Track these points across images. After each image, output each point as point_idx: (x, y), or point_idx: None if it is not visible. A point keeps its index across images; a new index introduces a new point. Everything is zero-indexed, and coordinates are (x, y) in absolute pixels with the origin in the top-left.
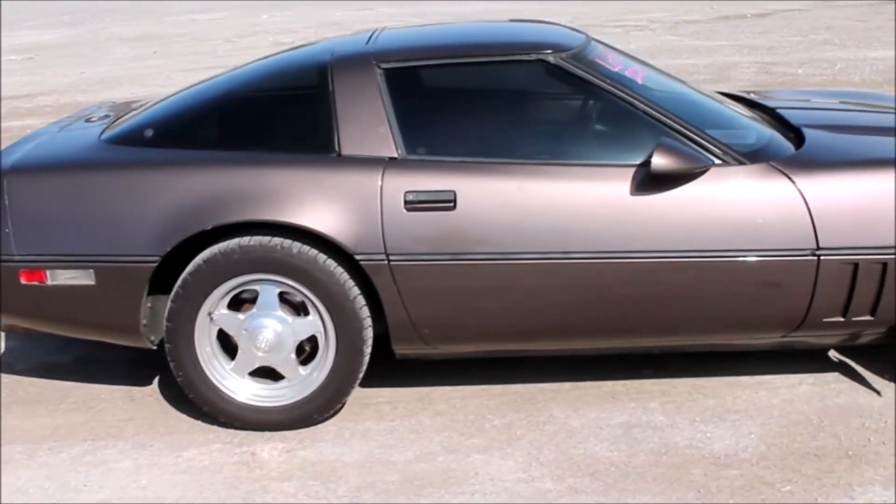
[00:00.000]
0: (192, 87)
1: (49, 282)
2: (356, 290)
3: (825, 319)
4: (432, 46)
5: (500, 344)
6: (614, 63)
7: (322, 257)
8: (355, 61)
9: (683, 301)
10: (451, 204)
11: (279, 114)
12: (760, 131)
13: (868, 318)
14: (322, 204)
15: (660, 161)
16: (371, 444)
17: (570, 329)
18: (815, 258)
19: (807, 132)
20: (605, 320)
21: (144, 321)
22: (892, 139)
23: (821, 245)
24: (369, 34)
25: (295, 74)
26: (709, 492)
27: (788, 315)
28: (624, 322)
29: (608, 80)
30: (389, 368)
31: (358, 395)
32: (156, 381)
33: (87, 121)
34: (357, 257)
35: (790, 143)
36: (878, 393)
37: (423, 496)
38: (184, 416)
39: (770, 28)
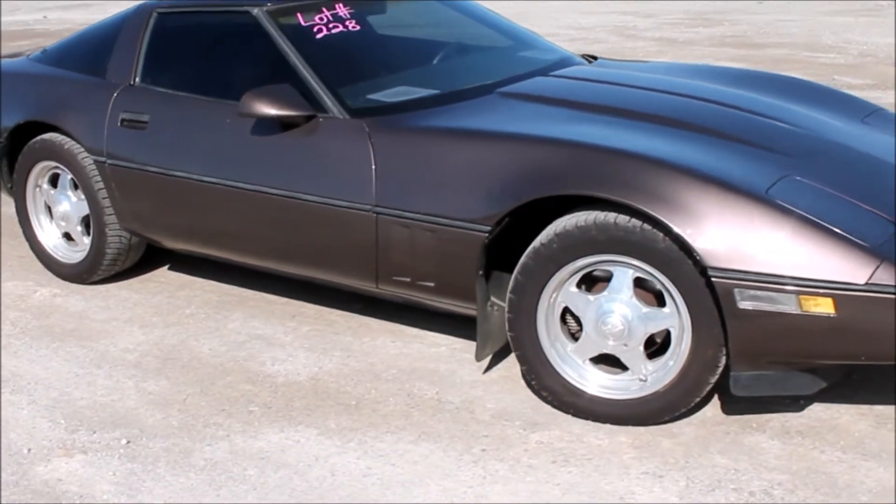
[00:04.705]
0: None
1: None
2: (102, 184)
3: (395, 278)
4: None
5: (191, 245)
6: (325, 17)
7: (83, 154)
8: (145, 8)
9: (281, 233)
10: (145, 125)
11: (100, 45)
12: (436, 91)
13: (431, 283)
14: (80, 114)
15: (244, 104)
16: (103, 304)
17: (225, 242)
18: (375, 215)
19: (491, 97)
20: (239, 238)
21: (9, 185)
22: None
23: (377, 203)
24: None
25: (121, 17)
26: (200, 393)
27: (364, 266)
28: (255, 242)
29: (278, 33)
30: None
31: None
32: None
33: None
34: (92, 157)
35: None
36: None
37: (75, 342)
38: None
39: None
